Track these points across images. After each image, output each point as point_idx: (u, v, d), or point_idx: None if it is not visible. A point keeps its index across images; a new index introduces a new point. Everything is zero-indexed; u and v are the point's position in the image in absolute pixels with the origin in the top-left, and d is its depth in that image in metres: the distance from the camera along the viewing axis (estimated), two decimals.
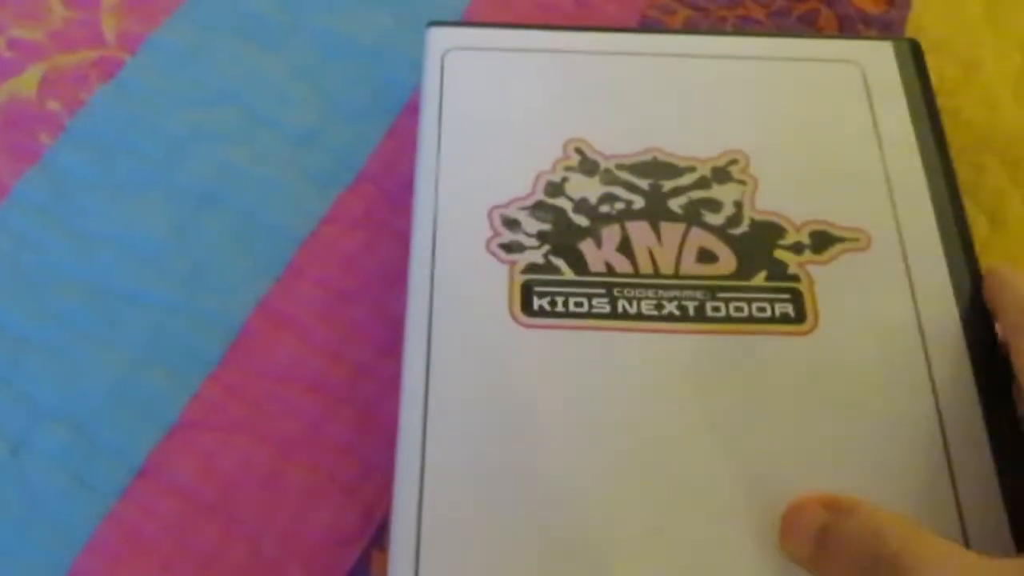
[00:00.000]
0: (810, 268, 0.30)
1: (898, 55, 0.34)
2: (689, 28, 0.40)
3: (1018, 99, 0.39)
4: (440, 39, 0.33)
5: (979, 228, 0.36)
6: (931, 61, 0.40)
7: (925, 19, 0.41)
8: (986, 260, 0.35)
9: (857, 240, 0.30)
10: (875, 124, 0.32)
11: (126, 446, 0.30)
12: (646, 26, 0.40)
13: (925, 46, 0.40)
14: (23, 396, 0.30)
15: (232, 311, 0.32)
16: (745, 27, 0.40)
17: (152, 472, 0.30)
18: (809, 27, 0.41)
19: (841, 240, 0.30)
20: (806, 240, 0.30)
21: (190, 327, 0.32)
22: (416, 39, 0.39)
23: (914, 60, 0.34)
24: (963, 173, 0.37)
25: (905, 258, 0.30)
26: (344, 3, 0.39)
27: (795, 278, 0.29)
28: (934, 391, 0.28)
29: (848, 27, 0.41)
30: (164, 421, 0.30)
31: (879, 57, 0.34)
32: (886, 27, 0.41)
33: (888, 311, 0.29)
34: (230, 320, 0.32)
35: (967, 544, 0.26)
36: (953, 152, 0.38)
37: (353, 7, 0.39)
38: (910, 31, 0.41)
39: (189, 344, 0.32)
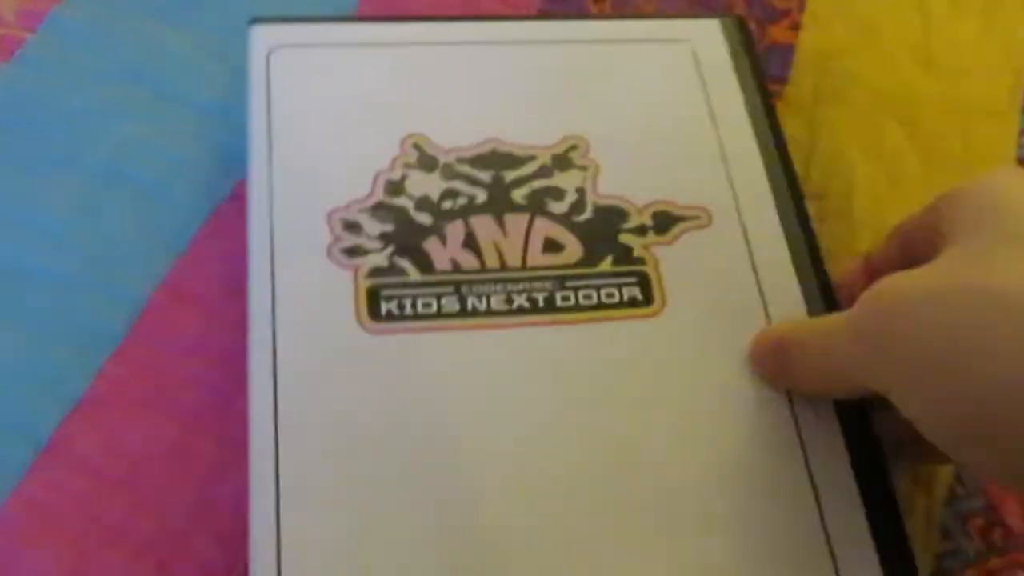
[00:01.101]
0: (655, 249, 0.30)
1: (725, 32, 0.34)
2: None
3: (916, 61, 0.40)
4: (264, 37, 0.32)
5: (878, 186, 0.37)
6: (832, 25, 0.40)
7: None
8: (886, 216, 0.36)
9: (699, 218, 0.31)
10: (708, 101, 0.33)
11: (31, 424, 0.31)
12: None
13: (826, 11, 0.41)
14: None
15: (136, 287, 0.33)
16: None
17: (57, 449, 0.30)
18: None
19: (683, 219, 0.31)
20: (649, 221, 0.30)
21: (94, 304, 0.33)
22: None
23: (741, 36, 0.34)
24: (863, 133, 0.38)
25: (745, 233, 0.30)
26: None
27: (641, 261, 0.30)
28: None
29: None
30: (69, 398, 0.31)
31: (707, 35, 0.34)
32: None
33: (732, 286, 0.29)
34: (134, 296, 0.33)
35: (820, 515, 0.27)
36: (854, 113, 0.39)
37: None
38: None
39: (93, 321, 0.32)
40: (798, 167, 0.36)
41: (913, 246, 0.27)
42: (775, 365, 0.28)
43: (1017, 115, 0.39)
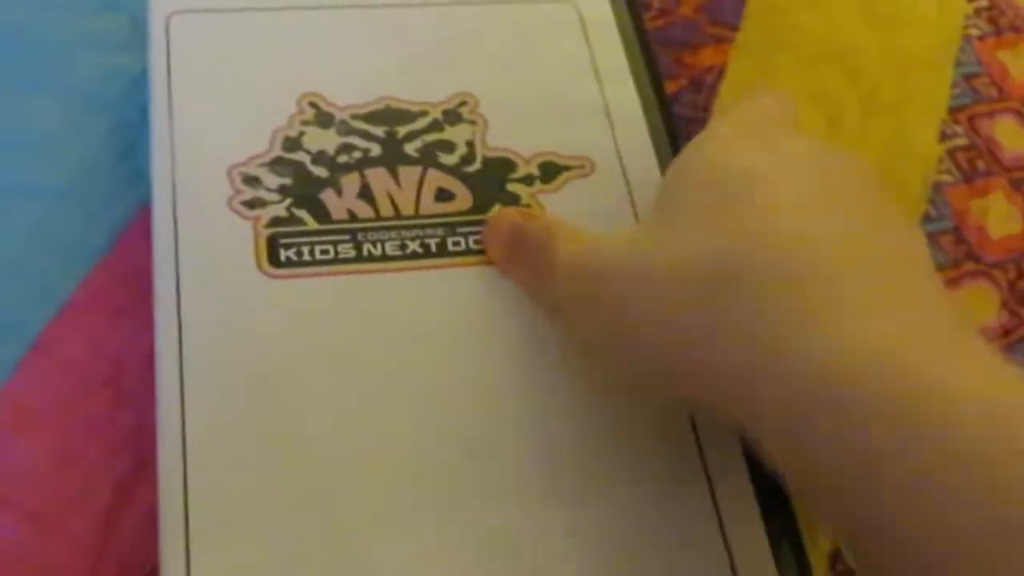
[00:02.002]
0: (541, 197, 0.32)
1: None
2: None
3: (857, 15, 0.41)
4: (163, 3, 0.34)
5: (817, 129, 0.38)
6: None
7: None
8: None
9: (582, 167, 0.32)
10: (592, 58, 0.34)
11: (20, 324, 0.32)
12: None
13: None
14: None
15: (120, 208, 0.35)
16: None
17: (45, 348, 0.32)
18: None
19: (567, 168, 0.32)
20: (535, 171, 0.32)
21: (81, 220, 0.34)
22: None
23: None
24: (807, 79, 0.40)
25: (626, 180, 0.32)
26: None
27: (528, 208, 0.31)
28: None
29: None
30: (56, 301, 0.33)
31: None
32: None
33: (612, 228, 0.30)
34: (118, 215, 0.34)
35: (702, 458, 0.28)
36: (799, 60, 0.41)
37: None
38: None
39: (81, 234, 0.34)
40: None
41: None
42: (508, 253, 0.30)
43: (951, 69, 0.40)
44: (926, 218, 0.37)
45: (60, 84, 0.37)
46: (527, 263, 0.29)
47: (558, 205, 0.31)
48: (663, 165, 0.32)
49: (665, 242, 0.24)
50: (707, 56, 0.39)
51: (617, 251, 0.26)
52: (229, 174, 0.31)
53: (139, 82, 0.37)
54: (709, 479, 0.28)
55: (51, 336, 0.32)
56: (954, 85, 0.39)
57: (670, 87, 0.36)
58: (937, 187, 0.37)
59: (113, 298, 0.33)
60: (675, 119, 0.34)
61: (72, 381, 0.32)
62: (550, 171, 0.32)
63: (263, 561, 0.26)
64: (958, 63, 0.40)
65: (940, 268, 0.36)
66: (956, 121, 0.39)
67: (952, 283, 0.36)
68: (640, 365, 0.25)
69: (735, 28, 0.40)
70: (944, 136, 0.38)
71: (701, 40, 0.39)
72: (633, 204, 0.32)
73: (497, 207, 0.31)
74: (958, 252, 0.36)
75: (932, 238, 0.36)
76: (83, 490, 0.30)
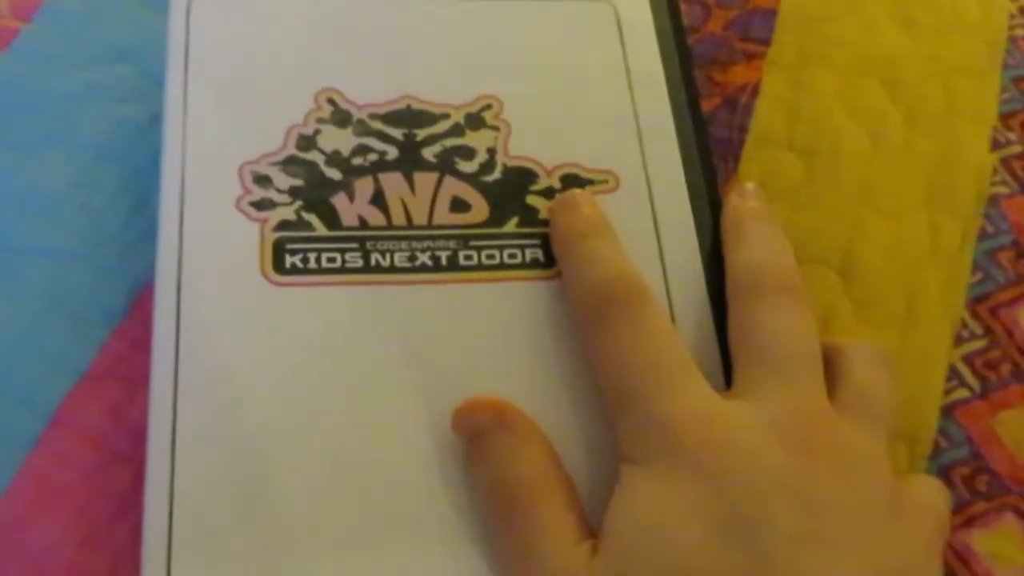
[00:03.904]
0: None
1: None
2: None
3: (895, 22, 0.39)
4: None
5: (861, 145, 0.36)
6: None
7: None
8: (871, 175, 0.36)
9: (606, 182, 0.30)
10: (626, 64, 0.32)
11: (38, 397, 0.31)
12: None
13: None
14: None
15: (137, 267, 0.33)
16: None
17: (64, 422, 0.31)
18: None
19: (591, 183, 0.30)
20: (557, 184, 0.30)
21: (96, 281, 0.33)
22: None
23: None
24: (847, 94, 0.38)
25: (651, 199, 0.30)
26: None
27: (545, 223, 0.30)
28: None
29: None
30: (74, 371, 0.32)
31: None
32: None
33: (634, 250, 0.29)
34: (135, 275, 0.33)
35: None
36: (837, 74, 0.39)
37: None
38: None
39: (96, 297, 0.33)
40: (784, 126, 0.36)
41: None
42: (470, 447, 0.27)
43: (998, 74, 0.37)
44: (982, 235, 0.35)
45: (68, 139, 0.36)
46: (510, 517, 0.26)
47: None
48: (692, 186, 0.30)
49: None
50: (739, 73, 0.37)
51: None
52: (240, 172, 0.29)
53: (147, 131, 0.36)
54: None
55: (70, 408, 0.31)
56: (1003, 90, 0.37)
57: (703, 106, 0.35)
58: (992, 200, 0.35)
59: (132, 366, 0.32)
60: (709, 138, 0.32)
61: (94, 455, 0.31)
62: (572, 184, 0.30)
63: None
64: (1006, 66, 0.38)
65: (1001, 287, 0.34)
66: (1008, 127, 0.37)
67: (1014, 303, 0.33)
68: None
69: (766, 43, 0.38)
70: (996, 144, 0.36)
71: (732, 57, 0.38)
72: (657, 227, 0.30)
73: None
74: (1020, 267, 0.34)
75: (990, 256, 0.34)
76: (110, 572, 0.28)
